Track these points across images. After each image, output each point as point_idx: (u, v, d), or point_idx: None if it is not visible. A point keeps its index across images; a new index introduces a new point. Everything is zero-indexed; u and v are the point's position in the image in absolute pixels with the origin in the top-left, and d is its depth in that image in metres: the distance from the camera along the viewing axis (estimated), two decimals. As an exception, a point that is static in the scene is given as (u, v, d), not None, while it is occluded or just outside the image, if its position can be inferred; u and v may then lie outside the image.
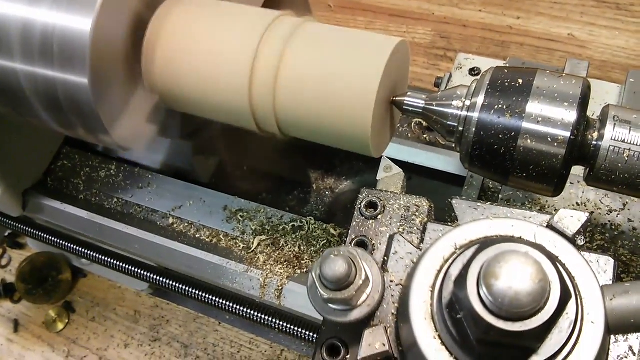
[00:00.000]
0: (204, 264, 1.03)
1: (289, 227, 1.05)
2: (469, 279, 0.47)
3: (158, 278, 1.10)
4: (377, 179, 0.73)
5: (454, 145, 0.72)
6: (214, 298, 1.06)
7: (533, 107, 0.64)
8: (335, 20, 1.83)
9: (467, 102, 0.69)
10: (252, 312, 1.03)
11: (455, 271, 0.51)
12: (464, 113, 0.69)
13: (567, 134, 0.63)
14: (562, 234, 0.55)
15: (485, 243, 0.50)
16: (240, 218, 1.07)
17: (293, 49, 0.77)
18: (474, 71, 1.09)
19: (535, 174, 0.65)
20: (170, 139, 1.14)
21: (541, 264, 0.45)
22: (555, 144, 0.64)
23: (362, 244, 0.64)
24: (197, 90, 0.82)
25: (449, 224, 0.62)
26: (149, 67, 0.84)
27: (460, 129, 0.69)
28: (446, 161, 1.08)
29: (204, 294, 1.06)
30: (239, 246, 1.04)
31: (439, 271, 0.53)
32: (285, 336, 1.12)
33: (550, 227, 0.55)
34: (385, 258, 0.60)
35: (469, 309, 0.46)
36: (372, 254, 0.62)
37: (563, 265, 0.51)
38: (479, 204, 0.62)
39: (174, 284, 1.09)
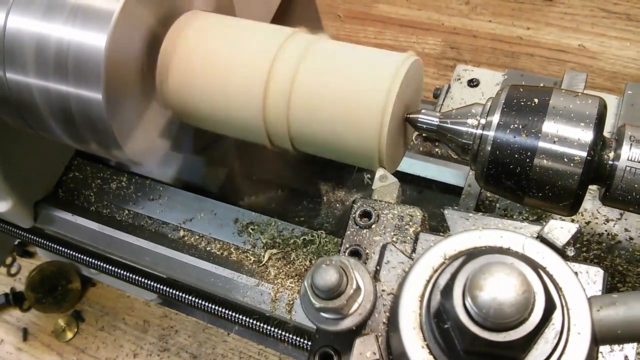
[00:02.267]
0: (215, 277, 1.02)
1: (300, 240, 1.04)
2: (455, 290, 0.47)
3: (167, 289, 1.10)
4: (373, 188, 0.73)
5: (469, 164, 0.72)
6: (223, 310, 1.05)
7: (549, 126, 0.64)
8: (345, 30, 1.83)
9: (482, 121, 0.69)
10: (262, 325, 1.03)
11: (443, 281, 0.51)
12: (479, 131, 0.69)
13: (584, 154, 0.63)
14: (551, 245, 0.55)
15: (471, 254, 0.51)
16: (251, 231, 1.07)
17: (307, 66, 0.77)
18: (472, 82, 1.10)
19: (551, 194, 0.65)
20: (183, 153, 1.14)
21: (525, 275, 0.46)
22: (572, 164, 0.63)
23: (355, 253, 0.64)
24: (211, 106, 0.83)
25: (441, 234, 0.62)
26: (163, 83, 0.84)
27: (475, 147, 0.69)
28: (457, 175, 1.07)
29: (213, 306, 1.06)
30: (250, 259, 1.04)
31: (428, 281, 0.54)
32: (295, 348, 1.12)
33: (540, 238, 0.56)
34: (378, 267, 0.61)
35: (454, 319, 0.47)
36: (366, 263, 0.63)
37: (550, 276, 0.52)
38: (470, 214, 0.62)
39: (183, 295, 1.09)
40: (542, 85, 1.00)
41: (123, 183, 1.18)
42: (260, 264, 1.03)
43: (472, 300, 0.45)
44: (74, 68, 0.78)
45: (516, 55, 1.67)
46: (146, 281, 1.12)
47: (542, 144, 0.64)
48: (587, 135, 0.63)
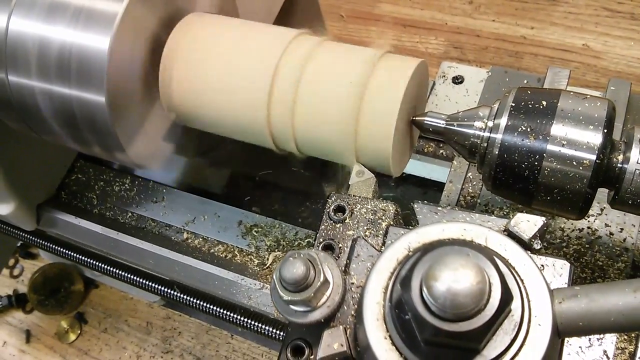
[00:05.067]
0: (219, 280, 1.02)
1: (304, 242, 1.04)
2: (413, 281, 0.48)
3: (171, 292, 1.09)
4: (349, 183, 0.75)
5: (476, 167, 0.71)
6: (227, 312, 1.05)
7: (558, 129, 0.64)
8: (348, 30, 1.82)
9: (490, 123, 0.68)
10: (266, 327, 1.02)
11: (404, 273, 0.52)
12: (487, 134, 0.68)
13: (593, 157, 0.62)
14: (518, 238, 0.55)
15: (431, 246, 0.52)
16: (255, 234, 1.06)
17: (312, 69, 0.76)
18: (457, 79, 1.11)
19: (560, 198, 0.65)
20: (186, 157, 1.14)
21: (481, 266, 0.46)
22: (581, 167, 0.63)
23: (329, 247, 0.65)
24: (215, 109, 0.82)
25: (410, 227, 0.62)
26: (166, 86, 0.83)
27: (483, 150, 0.68)
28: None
29: (217, 308, 1.05)
30: (254, 262, 1.04)
31: (392, 273, 0.54)
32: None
33: (507, 231, 0.56)
34: (348, 261, 0.62)
35: (412, 309, 0.47)
36: (339, 257, 0.64)
37: (512, 268, 0.52)
38: (439, 208, 0.62)
39: (186, 297, 1.08)
40: (526, 82, 1.04)
41: (126, 185, 1.18)
42: (265, 267, 1.02)
43: (428, 291, 0.45)
44: (77, 71, 0.78)
45: (520, 54, 1.66)
46: (149, 283, 1.11)
47: (550, 147, 0.63)
48: (596, 138, 0.63)
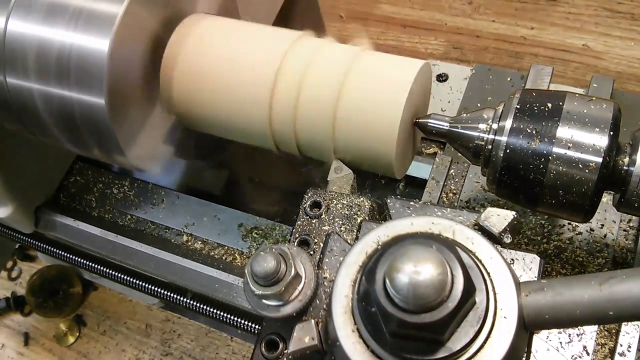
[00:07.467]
0: (219, 283, 1.01)
1: (305, 245, 1.03)
2: (377, 274, 0.49)
3: (170, 294, 1.09)
4: (328, 179, 0.75)
5: (480, 170, 0.70)
6: (227, 315, 1.04)
7: (563, 131, 0.63)
8: (347, 31, 1.82)
9: (494, 126, 0.68)
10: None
11: (370, 266, 0.52)
12: (491, 137, 0.68)
13: (599, 160, 0.62)
14: (488, 233, 0.55)
15: (396, 239, 0.53)
16: (255, 236, 1.06)
17: (314, 71, 0.76)
18: (441, 77, 1.12)
19: (565, 201, 0.64)
20: (186, 159, 1.13)
21: (443, 258, 0.47)
22: (587, 170, 0.62)
23: (304, 243, 0.66)
24: (216, 111, 0.81)
25: (383, 222, 0.62)
26: (166, 87, 0.83)
27: (488, 153, 0.68)
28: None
29: (217, 311, 1.05)
30: (255, 265, 1.03)
31: (361, 267, 0.55)
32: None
33: (477, 225, 0.57)
34: (321, 256, 0.62)
35: (377, 301, 0.48)
36: (314, 252, 0.65)
37: (479, 261, 0.52)
38: (411, 203, 0.63)
39: (186, 300, 1.07)
40: (509, 79, 1.05)
41: (125, 188, 1.17)
42: (265, 270, 1.01)
43: (391, 283, 0.46)
44: (76, 73, 0.77)
45: (520, 55, 1.66)
46: (149, 286, 1.10)
47: (556, 150, 0.63)
48: (602, 141, 0.62)
